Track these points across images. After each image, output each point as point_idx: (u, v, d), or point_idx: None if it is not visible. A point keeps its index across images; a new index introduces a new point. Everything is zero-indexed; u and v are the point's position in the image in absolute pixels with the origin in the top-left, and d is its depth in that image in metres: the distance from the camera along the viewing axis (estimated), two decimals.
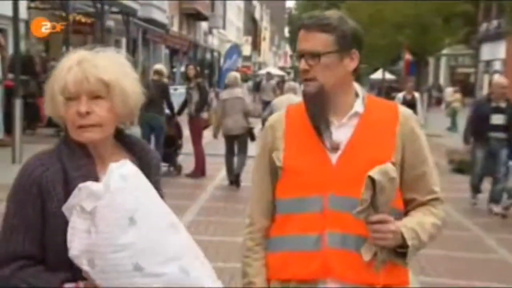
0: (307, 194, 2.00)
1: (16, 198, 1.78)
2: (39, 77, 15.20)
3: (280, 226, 2.06)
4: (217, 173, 11.54)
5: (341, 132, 2.02)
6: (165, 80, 11.85)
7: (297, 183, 2.02)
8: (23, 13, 15.06)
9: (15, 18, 11.55)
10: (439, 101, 36.11)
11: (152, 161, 1.95)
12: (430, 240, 2.02)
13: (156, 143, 10.57)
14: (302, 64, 2.01)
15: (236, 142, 10.32)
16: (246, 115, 10.23)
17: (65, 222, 1.70)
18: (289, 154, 2.06)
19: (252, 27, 76.22)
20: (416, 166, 2.04)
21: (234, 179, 10.20)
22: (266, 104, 21.83)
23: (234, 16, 65.59)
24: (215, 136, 10.77)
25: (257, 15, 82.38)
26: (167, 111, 11.12)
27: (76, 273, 1.70)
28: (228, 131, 10.21)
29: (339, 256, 1.95)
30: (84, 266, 1.62)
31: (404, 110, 2.11)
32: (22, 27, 13.96)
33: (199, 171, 10.95)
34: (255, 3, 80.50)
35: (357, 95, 2.08)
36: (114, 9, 19.77)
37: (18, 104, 11.29)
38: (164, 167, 11.04)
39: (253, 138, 10.40)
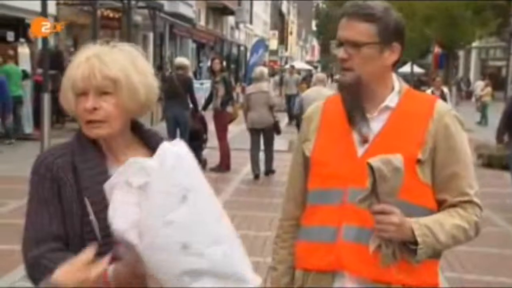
0: (331, 186, 1.99)
1: (34, 184, 1.81)
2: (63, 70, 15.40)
3: (307, 217, 2.07)
4: (242, 167, 11.55)
5: (372, 124, 1.99)
6: (190, 74, 11.89)
7: (323, 174, 2.02)
8: (51, 8, 15.25)
9: (43, 13, 11.68)
10: (468, 95, 35.57)
11: None
12: (453, 242, 1.95)
13: (181, 138, 10.55)
14: (341, 53, 1.96)
15: (262, 136, 10.42)
16: (271, 108, 10.32)
17: (80, 207, 1.75)
18: (318, 145, 2.06)
19: (279, 21, 76.00)
20: (448, 165, 1.97)
21: (266, 173, 10.43)
22: (289, 98, 21.68)
23: (261, 10, 65.49)
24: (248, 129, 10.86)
25: (284, 9, 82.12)
26: (191, 105, 11.18)
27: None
28: (253, 124, 10.32)
29: (353, 249, 1.93)
30: (133, 240, 1.62)
31: (440, 106, 2.03)
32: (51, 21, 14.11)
33: (224, 165, 10.96)
34: None
35: (393, 88, 2.03)
36: (141, 4, 19.84)
37: (46, 98, 11.39)
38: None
39: (278, 131, 10.55)
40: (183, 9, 30.68)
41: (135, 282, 1.70)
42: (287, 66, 34.07)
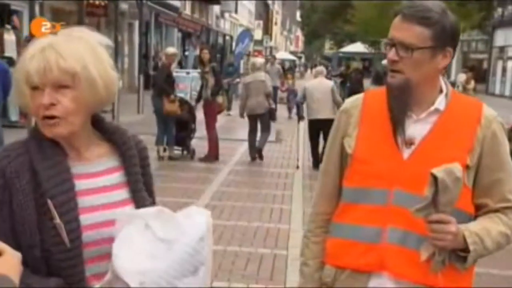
0: (373, 186, 1.95)
1: None
2: None
3: (343, 213, 2.03)
4: (231, 157, 11.58)
5: (418, 127, 1.94)
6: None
7: (364, 173, 1.97)
8: None
9: (31, 0, 11.57)
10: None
11: (140, 145, 1.87)
12: (497, 249, 1.94)
13: (166, 128, 10.78)
14: (392, 54, 1.90)
15: (259, 121, 11.23)
16: (267, 96, 11.24)
17: (33, 215, 1.64)
18: (361, 142, 2.00)
19: (264, 11, 75.87)
20: (492, 171, 1.95)
21: (256, 155, 11.22)
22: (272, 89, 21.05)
23: (246, 1, 65.30)
24: (241, 115, 11.69)
25: None
26: (180, 95, 11.14)
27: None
28: (251, 110, 11.17)
29: (398, 252, 1.90)
30: (132, 285, 1.57)
31: (488, 112, 1.99)
32: (36, 9, 13.96)
33: (213, 155, 10.96)
34: None
35: (441, 90, 1.99)
36: None
37: None
38: (177, 151, 11.17)
39: (274, 118, 11.48)
40: None
41: None
42: (269, 57, 34.10)
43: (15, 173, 1.65)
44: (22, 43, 14.28)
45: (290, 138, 14.37)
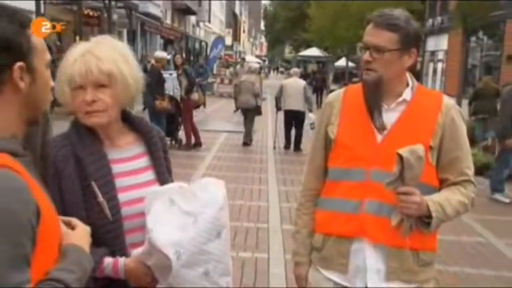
0: (353, 166, 1.99)
1: None
2: (56, 63, 14.94)
3: (329, 190, 2.08)
4: (213, 146, 11.54)
5: (389, 115, 1.99)
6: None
7: (345, 155, 2.01)
8: (42, 7, 14.73)
9: (37, 12, 11.31)
10: None
11: (160, 134, 1.90)
12: (456, 215, 2.00)
13: (158, 123, 10.64)
14: (366, 56, 1.94)
15: (247, 114, 11.89)
16: (255, 96, 11.81)
17: (80, 196, 1.66)
18: (342, 129, 2.03)
19: (233, 21, 75.38)
20: (451, 150, 2.00)
21: (247, 140, 11.86)
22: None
23: (218, 10, 64.73)
24: (237, 109, 12.86)
25: (237, 10, 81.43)
26: (169, 93, 11.02)
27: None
28: (242, 105, 11.91)
29: (374, 221, 1.96)
30: (171, 255, 1.59)
31: (447, 101, 2.05)
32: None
33: (189, 142, 11.03)
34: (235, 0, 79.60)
35: (407, 84, 2.03)
36: (119, 4, 19.39)
37: None
38: (167, 141, 11.03)
39: (260, 113, 12.06)
40: (152, 9, 30.05)
41: (140, 278, 1.67)
42: (239, 59, 33.99)
43: (62, 161, 1.66)
44: None
45: (262, 128, 14.35)
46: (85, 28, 20.06)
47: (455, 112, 2.03)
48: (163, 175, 1.81)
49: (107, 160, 1.69)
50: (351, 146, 2.00)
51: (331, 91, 4.89)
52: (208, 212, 1.63)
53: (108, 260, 1.65)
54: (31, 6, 11.82)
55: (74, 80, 1.65)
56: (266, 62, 66.75)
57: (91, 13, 20.27)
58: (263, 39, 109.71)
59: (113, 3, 17.84)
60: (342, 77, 30.45)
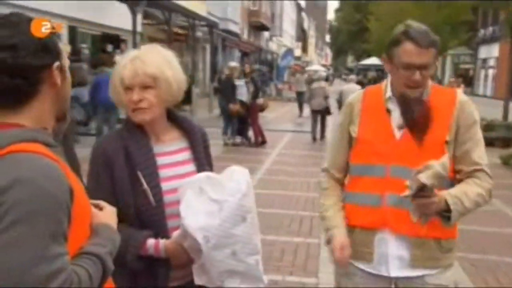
0: (374, 162, 1.89)
1: (91, 167, 1.73)
2: None
3: (352, 185, 1.99)
4: (278, 144, 11.51)
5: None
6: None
7: (367, 152, 1.91)
8: (139, 27, 15.33)
9: (134, 31, 11.74)
10: None
11: (202, 131, 1.87)
12: (476, 207, 1.86)
13: (231, 124, 10.91)
14: (417, 75, 1.79)
15: (319, 115, 12.18)
16: (325, 98, 12.11)
17: (128, 185, 1.66)
18: (362, 128, 1.93)
19: (302, 35, 74.93)
20: (465, 142, 1.87)
21: (320, 136, 12.17)
22: (299, 94, 19.59)
23: (289, 26, 64.55)
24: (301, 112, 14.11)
25: (305, 25, 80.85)
26: (240, 98, 11.13)
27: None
28: (316, 107, 12.12)
29: (395, 213, 1.86)
30: (200, 240, 1.58)
31: (461, 97, 1.91)
32: (138, 38, 14.21)
33: (263, 141, 11.12)
34: (304, 16, 79.04)
35: None
36: (202, 23, 19.79)
37: None
38: (238, 139, 11.16)
39: (329, 113, 12.27)
40: (232, 27, 30.48)
41: (178, 257, 1.66)
42: (308, 68, 33.69)
43: (114, 153, 1.68)
44: None
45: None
46: (175, 44, 20.72)
47: (468, 107, 1.89)
48: (203, 167, 1.78)
49: (152, 153, 1.70)
50: (372, 143, 1.90)
51: None
52: (232, 199, 1.60)
53: (151, 241, 1.65)
54: (128, 25, 12.27)
55: (124, 81, 1.67)
56: (331, 71, 65.82)
57: (179, 31, 20.86)
58: (328, 51, 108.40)
59: (197, 22, 18.17)
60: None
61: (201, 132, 1.86)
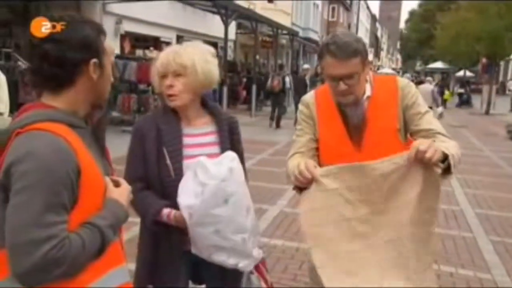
0: (338, 163, 1.58)
1: (130, 142, 1.71)
2: (239, 74, 15.84)
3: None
4: None
5: (358, 112, 1.69)
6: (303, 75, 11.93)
7: (330, 153, 1.70)
8: (232, 35, 15.65)
9: (225, 38, 12.04)
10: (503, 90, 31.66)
11: (231, 119, 1.78)
12: (458, 155, 1.55)
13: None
14: (341, 86, 1.61)
15: None
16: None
17: (155, 159, 1.63)
18: (322, 130, 1.72)
19: (375, 42, 71.87)
20: (414, 114, 1.67)
21: None
22: None
23: (363, 34, 62.11)
24: None
25: (378, 33, 77.48)
26: None
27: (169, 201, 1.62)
28: None
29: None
30: (185, 215, 1.54)
31: (401, 81, 1.71)
32: (231, 44, 14.41)
33: None
34: (378, 26, 75.74)
35: (367, 80, 1.69)
36: (285, 32, 19.79)
37: (225, 90, 11.81)
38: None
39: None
40: (312, 35, 30.10)
41: (184, 227, 1.59)
42: (379, 71, 32.37)
43: (148, 130, 1.67)
44: (221, 64, 14.89)
45: None
46: (262, 50, 20.91)
47: (409, 87, 1.69)
48: (226, 150, 1.69)
49: (180, 133, 1.66)
50: (332, 145, 1.70)
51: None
52: (212, 183, 1.52)
53: (166, 210, 1.63)
54: (221, 33, 12.59)
55: (160, 70, 1.66)
56: (400, 74, 62.59)
57: (266, 39, 21.02)
58: (398, 56, 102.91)
59: (279, 31, 18.21)
60: (462, 85, 27.68)
61: (230, 121, 1.78)
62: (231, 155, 1.62)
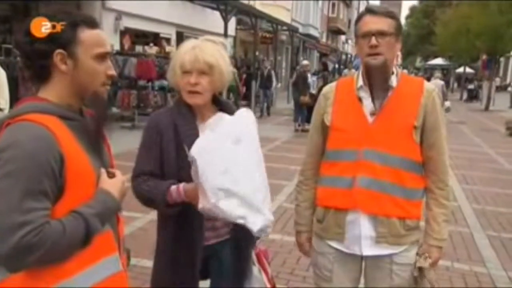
0: (347, 147, 1.71)
1: (144, 135, 1.69)
2: (239, 70, 15.81)
3: (326, 169, 1.79)
4: None
5: (378, 100, 1.70)
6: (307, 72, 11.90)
7: (340, 138, 1.74)
8: (231, 31, 15.64)
9: (225, 34, 12.04)
10: (504, 87, 31.59)
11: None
12: (446, 223, 1.75)
13: (301, 112, 10.89)
14: (373, 40, 1.62)
15: None
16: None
17: (174, 154, 1.61)
18: (335, 116, 1.76)
19: None
20: (432, 130, 1.70)
21: None
22: None
23: None
24: None
25: None
26: (311, 91, 11.08)
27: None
28: None
29: (365, 194, 1.68)
30: (195, 155, 1.47)
31: (428, 86, 1.73)
32: (231, 40, 14.40)
33: None
34: None
35: (393, 72, 1.71)
36: (285, 28, 19.76)
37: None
38: (307, 125, 11.05)
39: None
40: (312, 31, 30.03)
41: (195, 198, 1.53)
42: None
43: (164, 125, 1.66)
44: None
45: None
46: (262, 45, 20.91)
47: (435, 95, 1.72)
48: None
49: (197, 130, 1.64)
50: (345, 130, 1.72)
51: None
52: (221, 123, 1.53)
53: (173, 187, 1.60)
54: (221, 29, 12.60)
55: (185, 66, 1.62)
56: (401, 69, 62.30)
57: (266, 35, 21.00)
58: (398, 52, 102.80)
59: (279, 27, 18.17)
60: (459, 81, 27.67)
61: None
62: (244, 110, 1.61)
